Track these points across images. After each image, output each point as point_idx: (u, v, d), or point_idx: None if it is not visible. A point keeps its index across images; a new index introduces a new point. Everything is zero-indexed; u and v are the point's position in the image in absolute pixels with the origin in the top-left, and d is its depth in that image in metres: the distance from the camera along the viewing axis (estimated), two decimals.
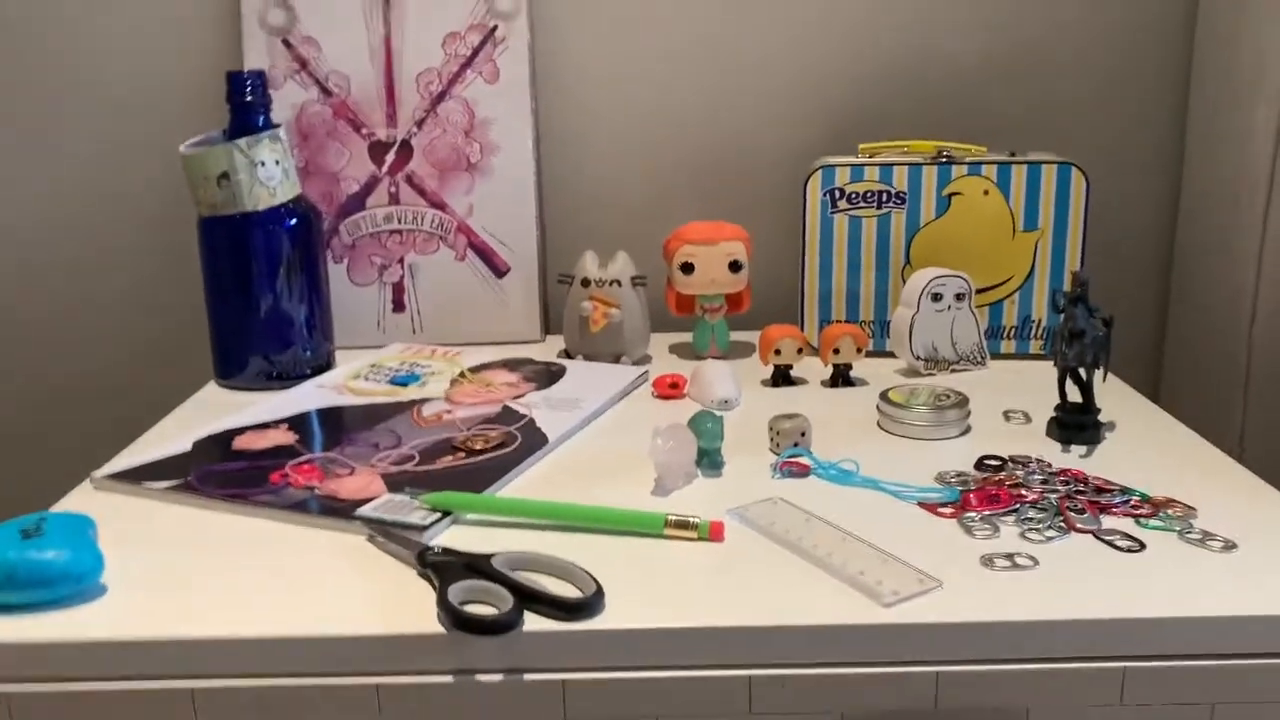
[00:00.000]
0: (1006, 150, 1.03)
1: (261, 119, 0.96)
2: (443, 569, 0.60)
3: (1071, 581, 0.60)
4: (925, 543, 0.65)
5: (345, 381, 0.96)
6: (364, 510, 0.69)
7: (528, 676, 0.57)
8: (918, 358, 0.97)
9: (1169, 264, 1.15)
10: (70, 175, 1.13)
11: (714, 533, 0.66)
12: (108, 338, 1.17)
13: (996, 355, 1.01)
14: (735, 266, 1.02)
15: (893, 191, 0.99)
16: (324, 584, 0.62)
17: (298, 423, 0.87)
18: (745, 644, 0.57)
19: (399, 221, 1.09)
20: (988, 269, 1.00)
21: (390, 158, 1.08)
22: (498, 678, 0.57)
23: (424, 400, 0.91)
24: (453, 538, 0.67)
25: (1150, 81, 1.11)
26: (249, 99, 0.95)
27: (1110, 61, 1.11)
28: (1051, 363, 0.83)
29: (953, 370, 0.98)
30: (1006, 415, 0.87)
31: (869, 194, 1.00)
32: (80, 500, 0.74)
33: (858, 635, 0.56)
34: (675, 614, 0.58)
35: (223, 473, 0.76)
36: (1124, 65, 1.11)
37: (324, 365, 1.00)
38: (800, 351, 0.96)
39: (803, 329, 1.03)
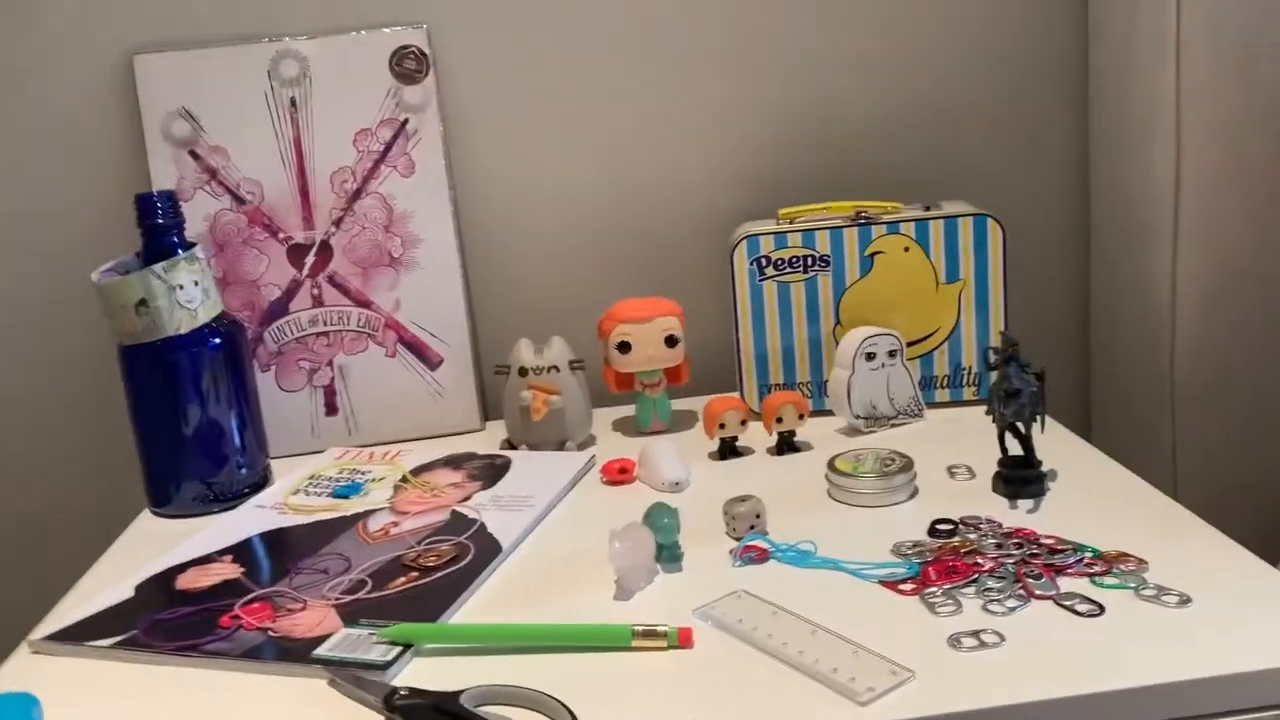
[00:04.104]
0: (921, 203, 1.05)
1: (176, 239, 0.93)
2: (412, 714, 0.59)
3: (1040, 657, 0.61)
4: (891, 625, 0.65)
5: (284, 499, 0.94)
6: (321, 651, 0.67)
7: None
8: (858, 417, 0.98)
9: (1086, 303, 1.18)
10: None
11: (683, 639, 0.65)
12: (32, 473, 1.12)
13: (932, 404, 1.03)
14: (671, 341, 1.02)
15: (816, 255, 1.01)
16: None
17: (241, 551, 0.84)
18: None
19: (325, 323, 1.07)
20: (915, 322, 1.02)
21: (310, 260, 1.07)
22: None
23: (368, 513, 0.89)
24: (416, 672, 0.66)
25: (1051, 126, 1.14)
26: (160, 221, 0.93)
27: (1014, 109, 1.14)
28: (985, 409, 0.85)
29: (892, 425, 0.99)
30: (951, 471, 0.88)
31: (794, 259, 1.01)
32: (18, 670, 0.71)
33: None
34: None
35: (170, 621, 0.73)
36: (1024, 113, 1.14)
37: (261, 481, 0.98)
38: (744, 423, 0.96)
39: (741, 394, 1.04)
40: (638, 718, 0.59)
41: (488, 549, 0.80)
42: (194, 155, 1.05)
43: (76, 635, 0.73)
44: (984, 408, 0.85)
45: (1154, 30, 0.97)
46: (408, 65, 1.06)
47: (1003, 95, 1.13)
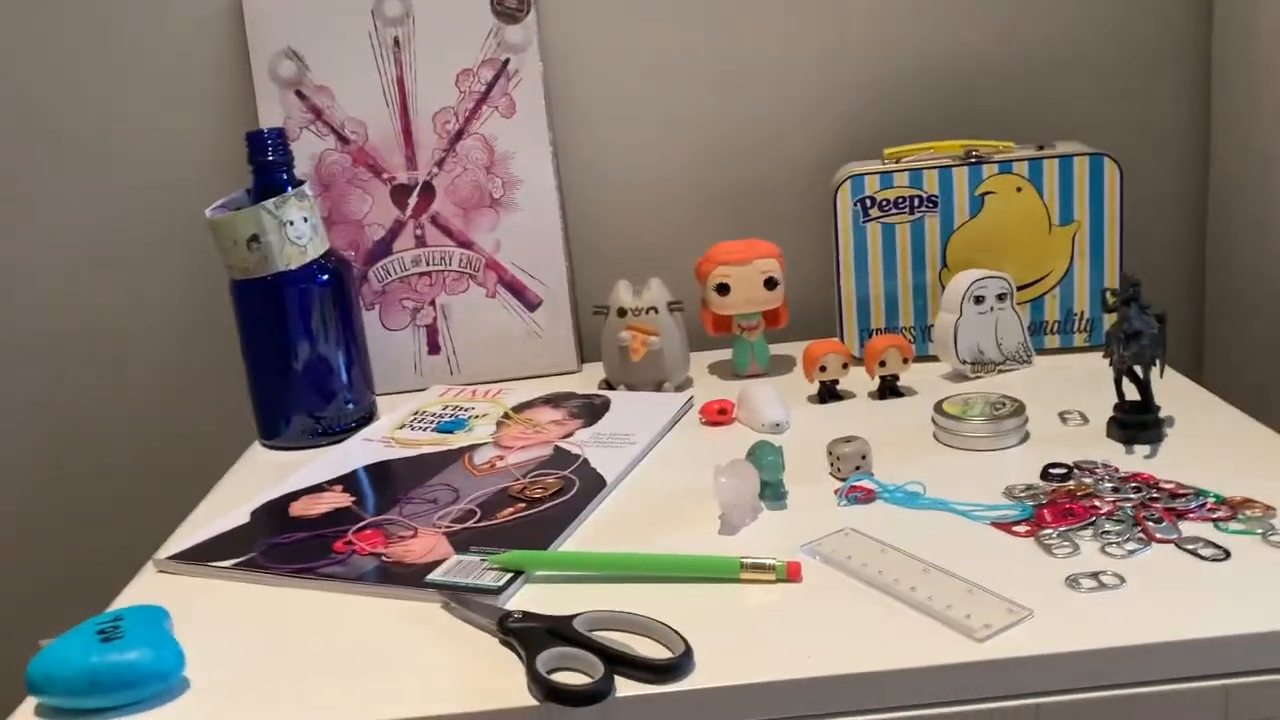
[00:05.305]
0: (1031, 143, 1.02)
1: (285, 176, 0.95)
2: (526, 636, 0.60)
3: (1162, 599, 0.59)
4: (1005, 566, 0.64)
5: (391, 433, 0.95)
6: (435, 576, 0.68)
7: None
8: (964, 362, 0.96)
9: (1202, 249, 1.14)
10: (92, 247, 1.12)
11: (792, 573, 0.65)
12: (148, 403, 1.16)
13: (1041, 351, 1.00)
14: (771, 284, 1.01)
15: (924, 196, 0.98)
16: (407, 660, 0.61)
17: (350, 482, 0.86)
18: (843, 693, 0.56)
19: (427, 263, 1.08)
20: (1026, 266, 0.99)
21: (413, 200, 1.08)
22: None
23: (473, 447, 0.91)
24: (528, 597, 0.67)
25: (1172, 66, 1.10)
26: (271, 158, 0.94)
27: (1131, 48, 1.09)
28: (1101, 355, 0.82)
29: (999, 371, 0.97)
30: (1063, 417, 0.86)
31: (900, 200, 0.99)
32: (147, 586, 0.74)
33: (956, 674, 0.56)
34: (766, 667, 0.57)
35: (286, 545, 0.76)
36: (1144, 52, 1.09)
37: (367, 416, 1.00)
38: (845, 366, 0.95)
39: (842, 339, 1.02)
40: (748, 648, 0.59)
41: (592, 483, 0.81)
42: (300, 95, 1.06)
43: (199, 556, 0.75)
44: (1097, 354, 0.83)
45: None
46: (509, 4, 1.06)
47: (1117, 31, 1.09)
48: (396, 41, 1.06)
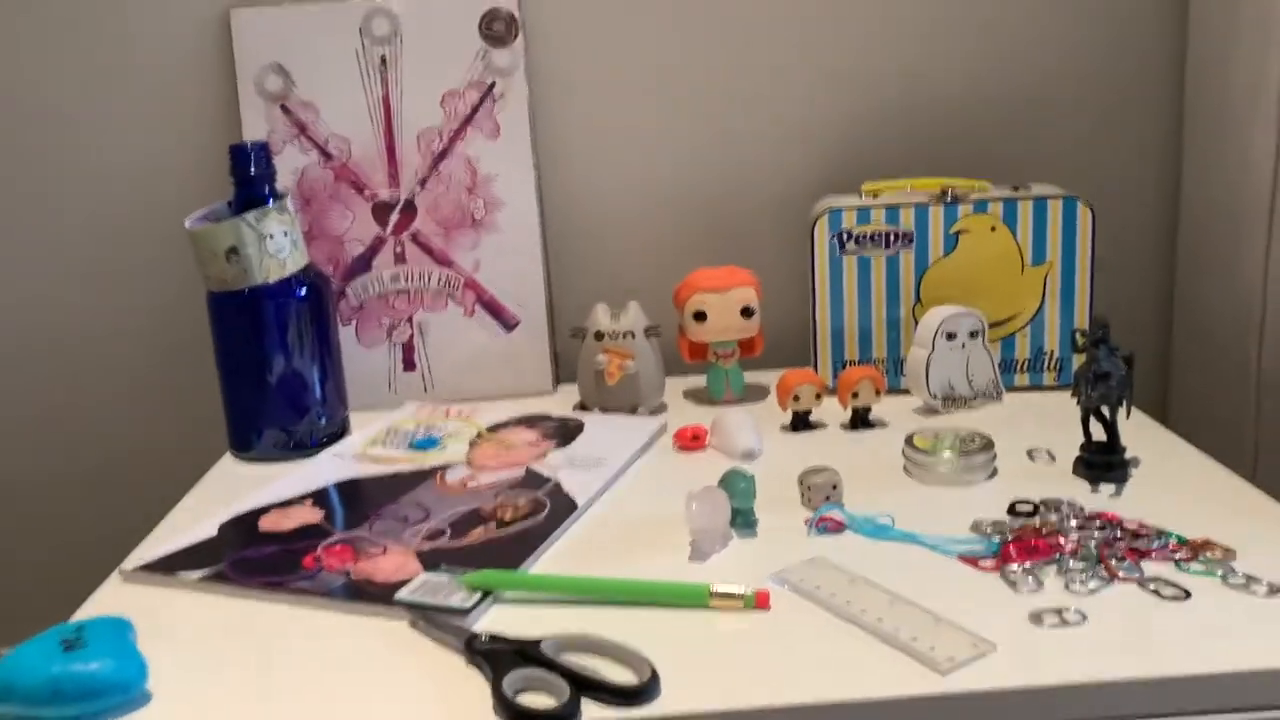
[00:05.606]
0: (1006, 184, 1.03)
1: (267, 190, 0.95)
2: (493, 658, 0.60)
3: (1124, 637, 0.60)
4: (971, 600, 0.65)
5: (364, 449, 0.95)
6: (403, 594, 0.68)
7: None
8: (935, 396, 0.97)
9: (1171, 291, 1.16)
10: (70, 254, 1.12)
11: (760, 602, 0.66)
12: (117, 414, 1.15)
13: (1011, 388, 1.01)
14: (747, 312, 1.02)
15: (900, 232, 1.00)
16: (373, 678, 0.61)
17: (321, 498, 0.86)
18: None
19: (406, 281, 1.08)
20: (998, 304, 1.00)
21: (394, 218, 1.08)
22: None
23: (446, 466, 0.91)
24: (496, 619, 0.67)
25: (1145, 109, 1.12)
26: (253, 171, 0.94)
27: (1103, 91, 1.12)
28: (1069, 395, 0.83)
29: (970, 407, 0.98)
30: (1030, 454, 0.87)
31: (876, 235, 1.00)
32: (111, 595, 0.73)
33: (919, 707, 0.56)
34: (733, 694, 0.57)
35: (255, 559, 0.75)
36: (1117, 94, 1.12)
37: (340, 432, 1.00)
38: (818, 397, 0.96)
39: (815, 369, 1.03)
40: (715, 676, 0.59)
41: (563, 506, 0.81)
42: (285, 110, 1.07)
43: (166, 567, 0.75)
44: (1064, 394, 0.84)
45: (1258, 15, 0.95)
46: (497, 28, 1.07)
47: (1094, 77, 1.11)
48: (384, 60, 1.07)
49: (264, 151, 0.95)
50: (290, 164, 1.06)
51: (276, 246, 0.93)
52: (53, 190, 1.10)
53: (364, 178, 1.07)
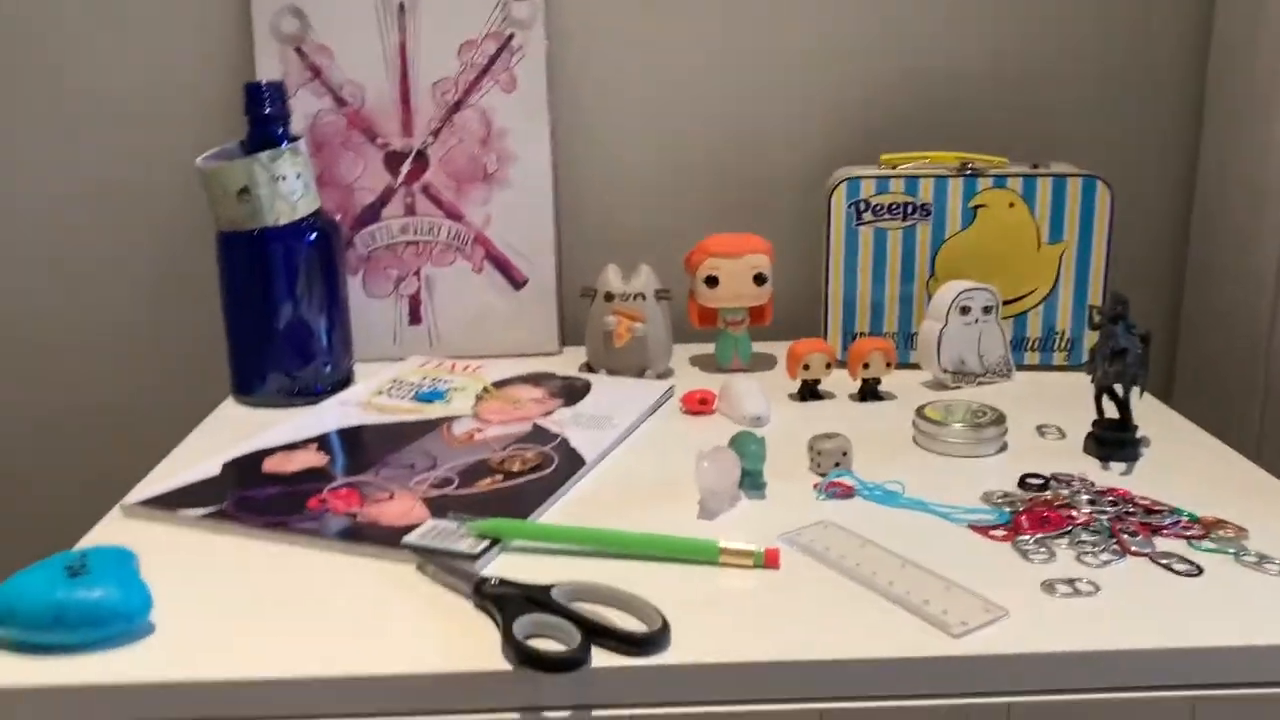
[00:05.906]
0: (1024, 161, 1.03)
1: (281, 131, 0.94)
2: (503, 602, 0.59)
3: (1136, 609, 0.60)
4: (982, 568, 0.65)
5: (369, 398, 0.94)
6: (411, 538, 0.67)
7: (596, 713, 0.56)
8: (945, 370, 0.97)
9: (1182, 274, 1.15)
10: (80, 188, 1.10)
11: (770, 560, 0.65)
12: (119, 353, 1.14)
13: (1021, 367, 1.01)
14: (760, 279, 1.01)
15: (918, 204, 0.99)
16: (378, 618, 0.61)
17: (325, 443, 0.85)
18: (817, 678, 0.56)
19: (415, 233, 1.07)
20: (1013, 281, 1.00)
21: (406, 168, 1.07)
22: (565, 715, 0.56)
23: (452, 418, 0.90)
24: (503, 566, 0.66)
25: (1166, 93, 1.12)
26: (268, 111, 0.93)
27: (1125, 73, 1.11)
28: (1083, 374, 0.83)
29: (979, 383, 0.98)
30: (1040, 430, 0.87)
31: (894, 206, 0.99)
32: (113, 529, 0.72)
33: (930, 667, 0.56)
34: (743, 647, 0.57)
35: (258, 499, 0.74)
36: (1139, 77, 1.11)
37: (344, 380, 0.99)
38: (828, 367, 0.95)
39: (826, 339, 1.03)
40: (727, 632, 0.58)
41: (571, 461, 0.80)
42: (300, 53, 1.05)
43: (168, 503, 0.74)
44: (1075, 373, 0.84)
45: None
46: None
47: (1122, 63, 1.10)
48: (401, 7, 1.05)
49: (279, 91, 0.94)
50: (303, 109, 1.05)
51: (289, 188, 0.92)
52: (62, 120, 1.08)
53: (377, 125, 1.06)
